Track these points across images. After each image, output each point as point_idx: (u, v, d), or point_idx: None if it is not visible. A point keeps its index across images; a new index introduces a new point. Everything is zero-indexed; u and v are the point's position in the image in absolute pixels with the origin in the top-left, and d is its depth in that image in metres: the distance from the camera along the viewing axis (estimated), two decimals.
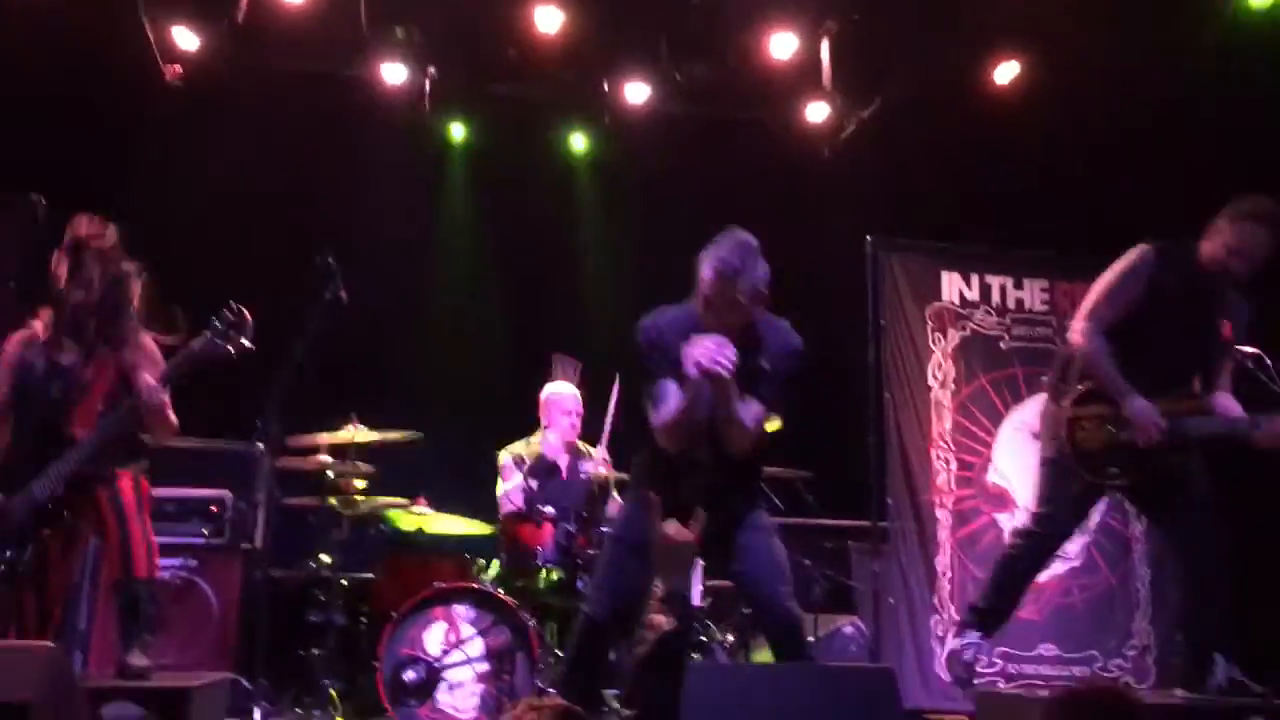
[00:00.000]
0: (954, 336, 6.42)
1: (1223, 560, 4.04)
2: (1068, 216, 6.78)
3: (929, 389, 6.37)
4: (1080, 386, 4.16)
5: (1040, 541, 4.30)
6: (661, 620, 2.47)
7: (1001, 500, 6.19)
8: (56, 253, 3.94)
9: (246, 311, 3.90)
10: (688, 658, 2.46)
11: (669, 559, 2.60)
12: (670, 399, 3.54)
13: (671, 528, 2.61)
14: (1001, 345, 6.50)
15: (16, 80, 6.19)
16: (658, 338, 3.65)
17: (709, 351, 3.39)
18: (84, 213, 4.04)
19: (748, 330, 3.60)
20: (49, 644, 2.73)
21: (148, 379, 3.82)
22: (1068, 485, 4.20)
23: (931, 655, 6.06)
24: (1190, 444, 4.05)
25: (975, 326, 6.47)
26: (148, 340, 4.02)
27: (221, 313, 3.91)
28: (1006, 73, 6.91)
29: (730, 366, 3.39)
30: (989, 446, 6.36)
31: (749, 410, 3.55)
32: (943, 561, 6.17)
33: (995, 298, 6.55)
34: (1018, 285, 6.57)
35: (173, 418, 3.96)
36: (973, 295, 6.53)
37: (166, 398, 3.87)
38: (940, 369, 6.38)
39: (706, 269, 3.55)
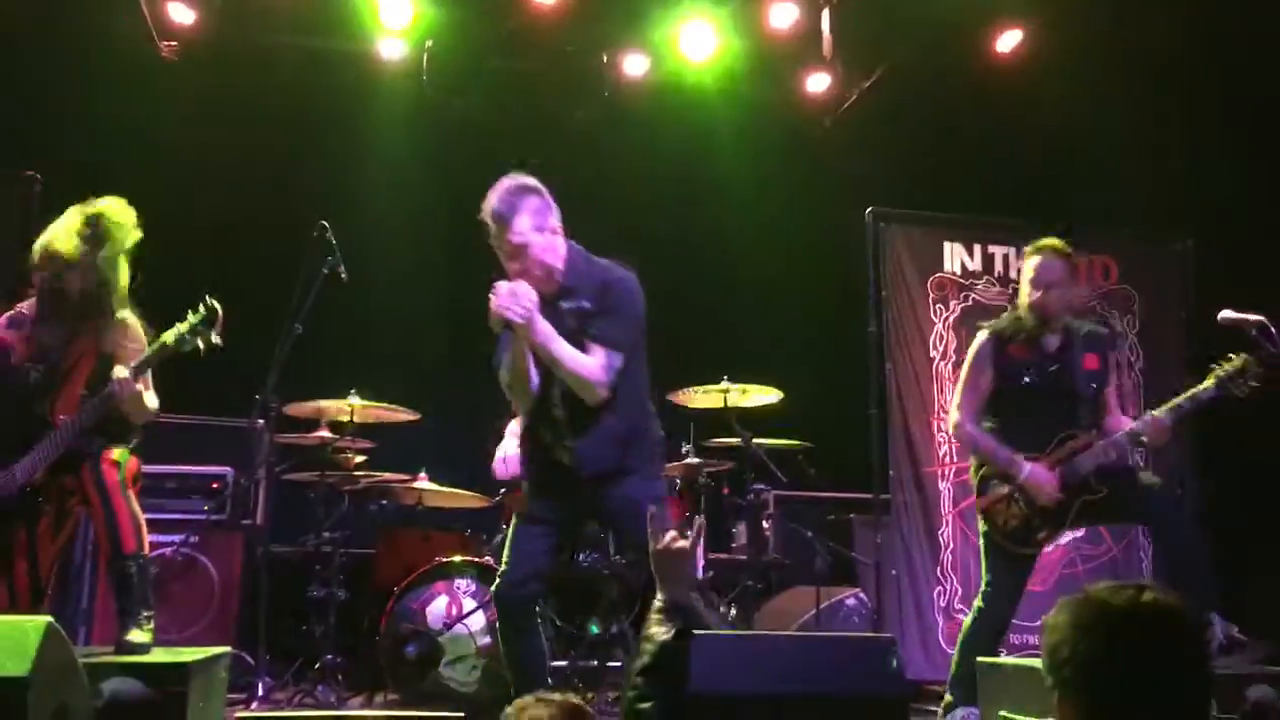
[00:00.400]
0: (956, 307, 6.36)
1: (1192, 540, 4.17)
2: (1071, 185, 6.74)
3: (931, 360, 6.32)
4: (981, 472, 4.43)
5: (993, 614, 4.41)
6: (660, 631, 2.44)
7: None
8: (45, 245, 3.88)
9: (219, 307, 3.86)
10: (689, 669, 2.44)
11: (668, 568, 2.56)
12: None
13: (670, 536, 2.58)
14: None
15: (10, 56, 6.15)
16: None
17: (500, 297, 3.37)
18: (79, 191, 4.02)
19: (560, 274, 3.55)
20: (48, 618, 2.70)
21: (121, 371, 3.79)
22: (1004, 562, 4.40)
23: (934, 627, 6.04)
24: (1089, 480, 4.25)
25: (978, 297, 6.40)
26: (130, 319, 3.97)
27: (197, 308, 3.86)
28: (1008, 41, 6.86)
29: (523, 310, 3.35)
30: None
31: (591, 357, 3.47)
32: (945, 533, 6.15)
33: (998, 268, 6.46)
34: (1020, 255, 6.48)
35: (149, 403, 3.92)
36: (975, 265, 6.45)
37: (140, 388, 3.84)
38: (942, 340, 6.34)
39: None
